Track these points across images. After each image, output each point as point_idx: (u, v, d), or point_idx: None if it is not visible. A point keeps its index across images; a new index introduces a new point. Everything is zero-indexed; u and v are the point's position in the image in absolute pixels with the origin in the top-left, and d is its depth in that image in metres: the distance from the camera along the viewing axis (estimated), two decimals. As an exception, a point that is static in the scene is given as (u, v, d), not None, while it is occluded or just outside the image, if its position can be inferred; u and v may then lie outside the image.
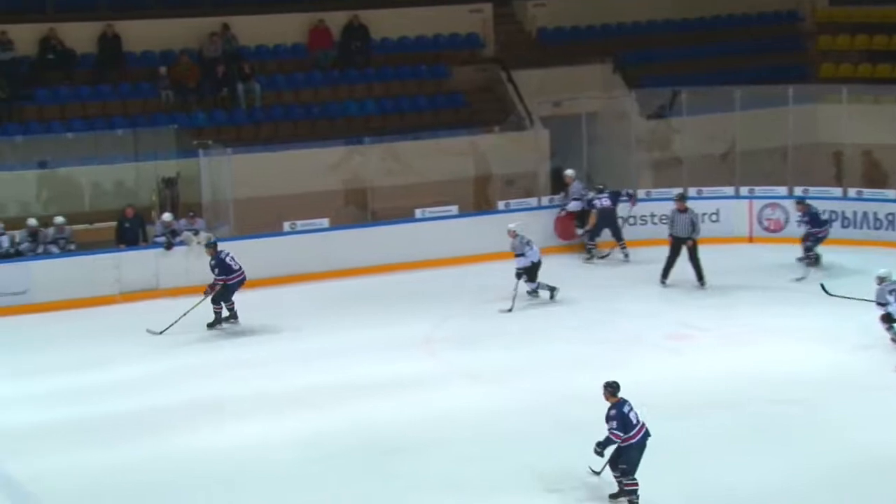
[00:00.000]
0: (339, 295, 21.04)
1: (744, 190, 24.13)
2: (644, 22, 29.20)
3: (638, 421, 12.54)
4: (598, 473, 13.04)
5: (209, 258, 19.04)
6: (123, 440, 14.78)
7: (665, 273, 21.20)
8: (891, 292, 17.26)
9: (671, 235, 21.22)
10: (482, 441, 14.53)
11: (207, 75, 24.88)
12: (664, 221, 22.99)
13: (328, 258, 21.99)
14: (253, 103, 24.89)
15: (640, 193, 24.19)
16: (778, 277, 21.46)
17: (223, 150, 22.64)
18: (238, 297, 19.76)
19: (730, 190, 24.17)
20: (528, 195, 24.27)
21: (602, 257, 23.12)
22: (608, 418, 12.52)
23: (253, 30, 25.84)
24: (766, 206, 23.94)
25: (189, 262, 21.15)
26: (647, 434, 12.56)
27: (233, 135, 24.01)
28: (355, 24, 26.59)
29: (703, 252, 21.06)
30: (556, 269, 22.32)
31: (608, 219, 23.01)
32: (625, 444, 12.48)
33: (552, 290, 20.25)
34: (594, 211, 22.93)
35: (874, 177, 25.23)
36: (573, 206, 23.26)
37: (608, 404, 12.66)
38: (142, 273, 20.87)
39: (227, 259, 19.07)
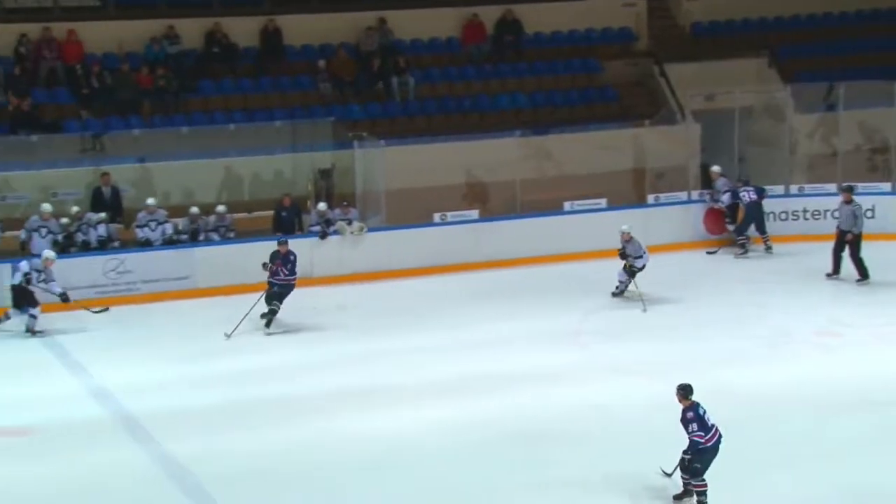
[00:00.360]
0: (488, 286, 21.05)
1: (903, 185, 23.56)
2: (802, 15, 28.61)
3: (712, 424, 12.34)
4: (669, 475, 12.85)
5: (286, 252, 18.74)
6: (278, 423, 15.04)
7: (832, 267, 20.86)
8: None
9: (837, 227, 20.93)
10: (629, 435, 14.39)
11: (364, 68, 25.19)
12: (816, 217, 22.66)
13: (477, 249, 22.05)
14: (407, 96, 25.14)
15: (793, 189, 23.79)
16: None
17: (377, 142, 22.86)
18: (392, 286, 20.24)
19: (886, 186, 23.52)
20: (678, 189, 23.96)
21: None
22: (686, 422, 12.29)
23: (408, 24, 26.11)
24: (925, 202, 23.30)
25: (343, 251, 21.49)
26: (720, 438, 12.34)
27: (386, 127, 24.24)
28: (509, 19, 26.63)
29: (859, 248, 20.65)
30: (706, 263, 22.29)
31: (755, 212, 22.61)
32: (702, 447, 12.30)
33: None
34: (742, 205, 22.58)
35: None
36: (726, 198, 22.86)
37: (682, 406, 12.40)
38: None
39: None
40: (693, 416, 12.28)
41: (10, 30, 23.66)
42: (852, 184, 21.85)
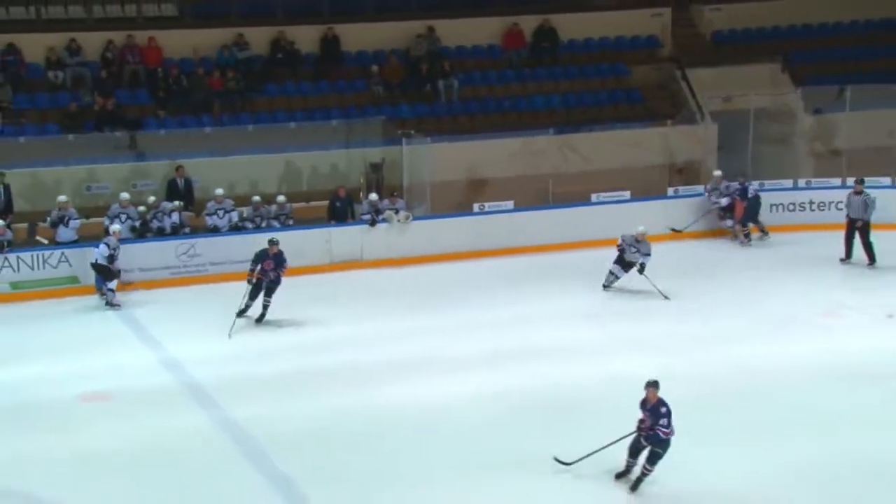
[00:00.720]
0: (521, 270, 21.14)
1: (901, 181, 23.36)
2: (814, 24, 28.34)
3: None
4: (569, 465, 12.77)
5: (277, 252, 18.17)
6: (331, 392, 15.33)
7: (845, 252, 20.97)
8: None
9: (847, 216, 21.00)
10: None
11: (412, 72, 25.37)
12: (822, 208, 22.61)
13: (512, 237, 22.14)
14: (451, 97, 25.28)
15: (801, 183, 23.74)
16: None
17: (423, 139, 23.04)
18: (434, 270, 20.81)
19: (886, 180, 23.32)
20: (696, 183, 23.98)
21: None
22: (660, 416, 12.14)
23: (454, 32, 26.19)
24: (919, 196, 23.09)
25: (390, 238, 21.67)
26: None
27: (432, 125, 24.35)
28: (546, 27, 26.68)
29: (861, 237, 20.68)
30: (717, 251, 22.36)
31: (755, 205, 22.52)
32: (664, 439, 12.23)
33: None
34: (743, 201, 22.44)
35: None
36: (724, 201, 22.58)
37: (652, 401, 12.27)
38: (349, 246, 21.41)
39: None
40: (666, 410, 12.15)
41: (98, 37, 24.03)
42: (862, 178, 21.77)
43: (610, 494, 12.55)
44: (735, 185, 22.64)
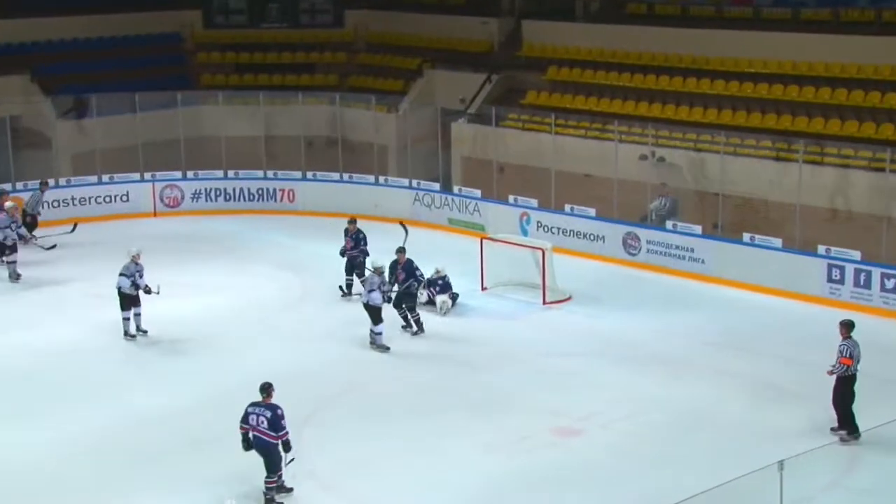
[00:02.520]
0: None
1: (147, 175, 23.20)
2: (59, 39, 26.84)
3: None
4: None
5: None
6: None
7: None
8: None
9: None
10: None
11: None
12: (83, 203, 22.08)
13: None
14: None
15: (62, 181, 22.62)
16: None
17: None
18: None
19: (136, 175, 23.21)
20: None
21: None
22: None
23: None
24: (165, 187, 23.22)
25: None
26: None
27: None
28: None
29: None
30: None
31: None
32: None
33: None
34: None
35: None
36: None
37: None
38: None
39: None
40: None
41: None
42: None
43: None
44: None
